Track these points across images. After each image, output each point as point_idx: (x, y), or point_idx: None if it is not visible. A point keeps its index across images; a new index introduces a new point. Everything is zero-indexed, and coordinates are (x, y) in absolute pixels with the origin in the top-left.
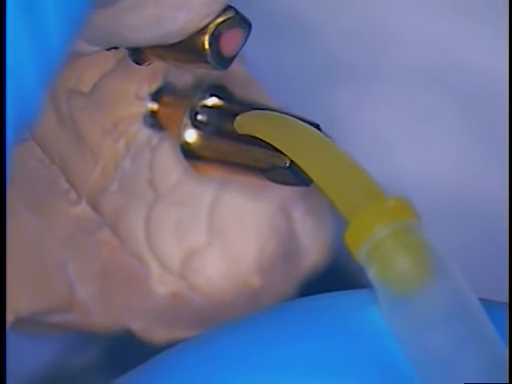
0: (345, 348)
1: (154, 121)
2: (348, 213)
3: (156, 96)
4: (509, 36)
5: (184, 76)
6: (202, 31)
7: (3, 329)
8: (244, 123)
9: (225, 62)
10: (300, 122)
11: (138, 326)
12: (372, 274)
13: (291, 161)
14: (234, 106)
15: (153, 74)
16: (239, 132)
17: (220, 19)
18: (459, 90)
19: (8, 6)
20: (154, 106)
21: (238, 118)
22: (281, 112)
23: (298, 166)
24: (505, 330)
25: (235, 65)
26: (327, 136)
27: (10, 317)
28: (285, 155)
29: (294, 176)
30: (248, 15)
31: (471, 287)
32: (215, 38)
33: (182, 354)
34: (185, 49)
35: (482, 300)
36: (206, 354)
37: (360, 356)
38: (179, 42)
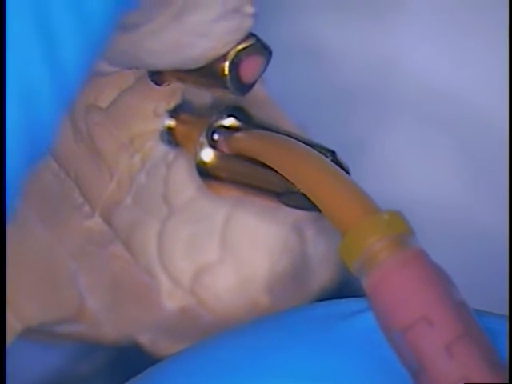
0: (344, 354)
1: (170, 137)
2: (342, 225)
3: (174, 113)
4: (509, 76)
5: (202, 95)
6: (223, 57)
7: (3, 333)
8: (234, 142)
9: (244, 88)
10: (290, 138)
11: (145, 338)
12: (367, 285)
13: None
14: (251, 127)
15: (171, 91)
16: (231, 152)
17: (241, 46)
18: (462, 125)
19: (25, 30)
20: (172, 123)
21: (231, 138)
22: (296, 135)
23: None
24: (504, 342)
25: (255, 86)
26: (342, 162)
27: (18, 326)
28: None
29: (307, 201)
30: (266, 38)
31: (468, 298)
32: (235, 65)
33: (181, 361)
34: (205, 73)
35: (480, 312)
36: (204, 360)
37: (359, 362)
38: (199, 67)
